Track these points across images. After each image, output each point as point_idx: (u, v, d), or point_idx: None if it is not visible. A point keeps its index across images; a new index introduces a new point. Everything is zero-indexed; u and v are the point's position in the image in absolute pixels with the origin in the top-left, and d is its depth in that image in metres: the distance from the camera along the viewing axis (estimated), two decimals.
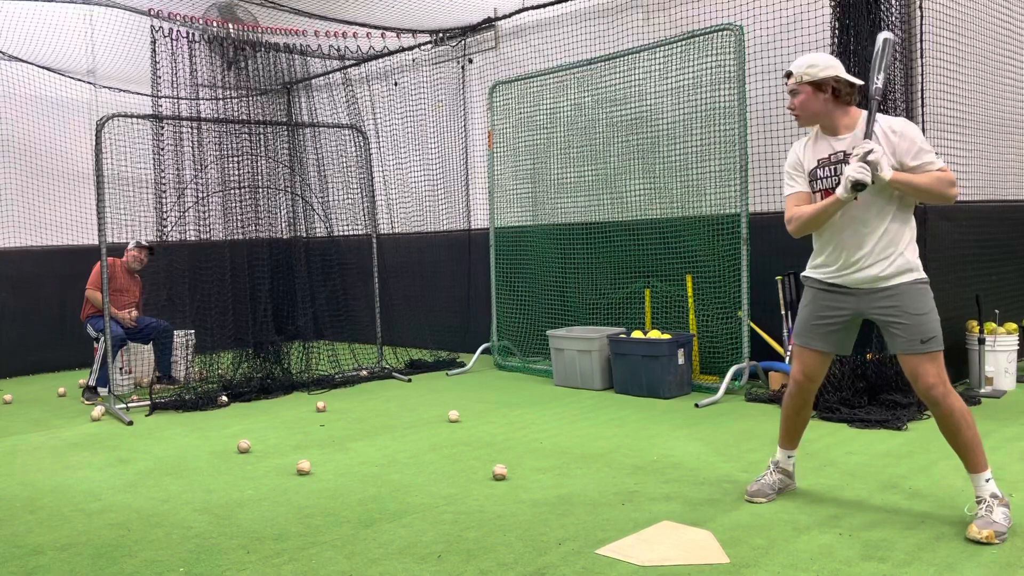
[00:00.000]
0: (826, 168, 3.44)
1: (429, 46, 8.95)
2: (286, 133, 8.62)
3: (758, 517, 3.54)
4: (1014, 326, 6.01)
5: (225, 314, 7.73)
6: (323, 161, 9.18)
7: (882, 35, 3.47)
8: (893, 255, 3.34)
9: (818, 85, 3.37)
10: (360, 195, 8.62)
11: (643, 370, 6.31)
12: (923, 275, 3.39)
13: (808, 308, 3.60)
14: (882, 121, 3.34)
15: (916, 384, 3.35)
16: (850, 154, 3.32)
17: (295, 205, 9.00)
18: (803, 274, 3.65)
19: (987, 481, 3.29)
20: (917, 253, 3.40)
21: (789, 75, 3.45)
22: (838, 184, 3.31)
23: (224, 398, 6.62)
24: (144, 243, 7.39)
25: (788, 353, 6.28)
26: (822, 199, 3.42)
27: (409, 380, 7.56)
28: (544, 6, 7.90)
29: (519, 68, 8.25)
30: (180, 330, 7.71)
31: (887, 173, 3.17)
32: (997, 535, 3.15)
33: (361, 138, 8.31)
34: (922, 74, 5.71)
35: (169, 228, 7.57)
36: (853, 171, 3.16)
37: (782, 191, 3.44)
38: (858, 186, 3.17)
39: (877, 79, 3.39)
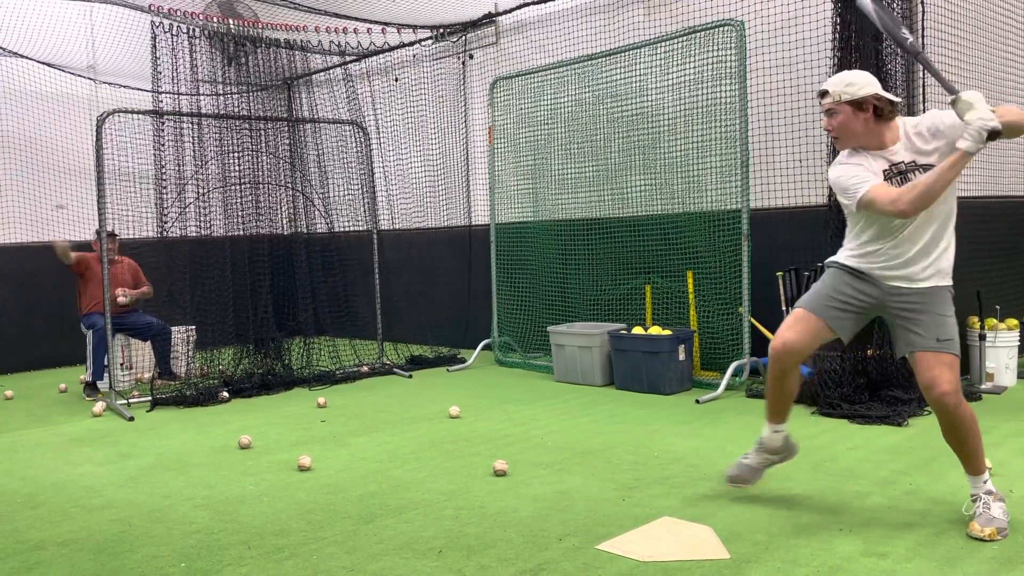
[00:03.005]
0: (895, 179, 3.25)
1: (430, 42, 8.93)
2: (287, 129, 8.62)
3: (759, 513, 3.54)
4: (1015, 322, 6.01)
5: (226, 310, 7.74)
6: (324, 157, 9.18)
7: (865, 6, 3.32)
8: (935, 257, 3.27)
9: (859, 104, 3.23)
10: (361, 191, 8.62)
11: (644, 366, 6.31)
12: (951, 282, 3.33)
13: (827, 283, 3.46)
14: (905, 124, 3.28)
15: (929, 390, 3.21)
16: (908, 162, 3.21)
17: (296, 201, 9.01)
18: (830, 259, 3.52)
19: (985, 482, 3.28)
20: (952, 259, 3.32)
21: (824, 94, 3.30)
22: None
23: (225, 394, 6.62)
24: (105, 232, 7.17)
25: None
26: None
27: (410, 376, 7.57)
28: (545, 1, 7.88)
29: (520, 64, 8.23)
30: (181, 326, 7.71)
31: (998, 124, 2.94)
32: (999, 531, 3.15)
33: (362, 134, 8.30)
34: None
35: (170, 224, 7.57)
36: (984, 118, 2.91)
37: (855, 192, 3.18)
38: (994, 134, 2.92)
39: (906, 34, 3.25)
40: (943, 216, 3.25)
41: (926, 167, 3.21)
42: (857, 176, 3.25)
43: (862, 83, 3.24)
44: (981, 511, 3.22)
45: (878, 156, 3.30)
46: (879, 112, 3.24)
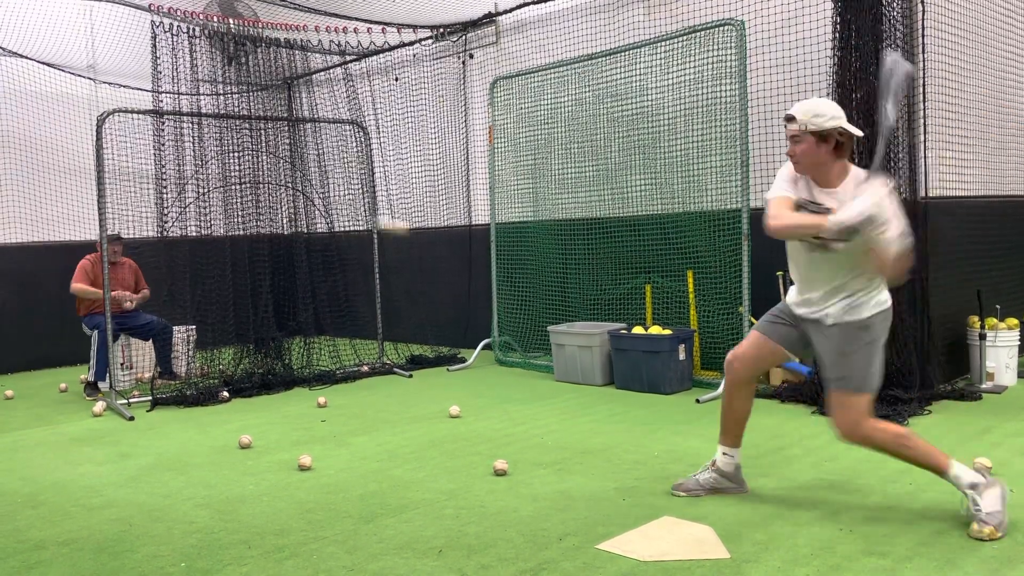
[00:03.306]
0: (807, 209, 3.30)
1: (430, 41, 8.93)
2: (287, 128, 8.62)
3: (759, 512, 3.54)
4: (1015, 321, 6.01)
5: (226, 310, 7.74)
6: (324, 157, 9.18)
7: (899, 63, 3.16)
8: (836, 298, 3.29)
9: (822, 136, 3.23)
10: (361, 190, 8.61)
11: (644, 366, 6.31)
12: (864, 317, 3.26)
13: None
14: (856, 176, 3.27)
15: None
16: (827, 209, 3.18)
17: (296, 201, 9.01)
18: None
19: (956, 476, 3.24)
20: (874, 291, 3.27)
21: (790, 119, 3.30)
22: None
23: (225, 394, 6.62)
24: (110, 234, 7.14)
25: None
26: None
27: (410, 376, 7.57)
28: (545, 1, 7.88)
29: (520, 63, 8.23)
30: (181, 326, 7.71)
31: (889, 243, 2.97)
32: (998, 527, 3.14)
33: (362, 133, 8.30)
34: (924, 69, 5.70)
35: (170, 224, 7.56)
36: (854, 217, 2.93)
37: (768, 196, 3.28)
38: (852, 234, 2.99)
39: (889, 110, 3.14)
40: (845, 260, 3.20)
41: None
42: (778, 184, 3.36)
43: (830, 115, 3.24)
44: (975, 510, 3.21)
45: (816, 187, 3.32)
46: (840, 146, 3.26)
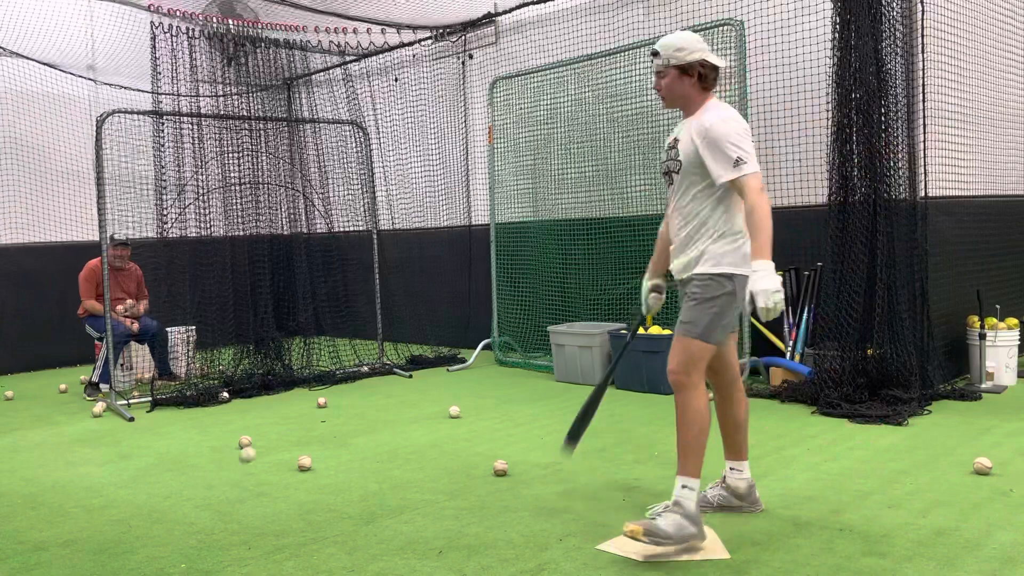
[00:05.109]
0: (666, 152, 3.40)
1: (429, 42, 8.93)
2: (286, 129, 8.63)
3: (759, 513, 3.54)
4: (1015, 321, 6.01)
5: (226, 310, 7.74)
6: (324, 157, 9.19)
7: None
8: (691, 249, 3.29)
9: (684, 69, 3.26)
10: (361, 191, 8.62)
11: (644, 366, 6.31)
12: (719, 269, 3.22)
13: None
14: (715, 110, 3.23)
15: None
16: (675, 140, 3.31)
17: (296, 201, 9.01)
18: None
19: (683, 488, 3.12)
20: (728, 245, 3.23)
21: (655, 54, 3.32)
22: (668, 170, 3.34)
23: (225, 394, 6.62)
24: (118, 238, 7.16)
25: (789, 349, 6.28)
26: (665, 179, 3.41)
27: (410, 376, 7.57)
28: (544, 1, 7.88)
29: (520, 64, 8.23)
30: (181, 326, 7.71)
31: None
32: (645, 532, 3.03)
33: (361, 134, 8.30)
34: (923, 68, 5.70)
35: (170, 224, 7.57)
36: (767, 286, 2.97)
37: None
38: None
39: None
40: (697, 212, 3.25)
41: (677, 151, 3.28)
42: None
43: (691, 48, 3.25)
44: (655, 512, 3.18)
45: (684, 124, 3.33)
46: (703, 78, 3.27)
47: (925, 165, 5.72)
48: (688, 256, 3.30)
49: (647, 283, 3.67)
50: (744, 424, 3.51)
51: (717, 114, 3.21)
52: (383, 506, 3.85)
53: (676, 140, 3.33)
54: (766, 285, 2.97)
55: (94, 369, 7.08)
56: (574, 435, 3.53)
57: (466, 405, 6.05)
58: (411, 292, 9.08)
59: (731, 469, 3.54)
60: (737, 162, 3.10)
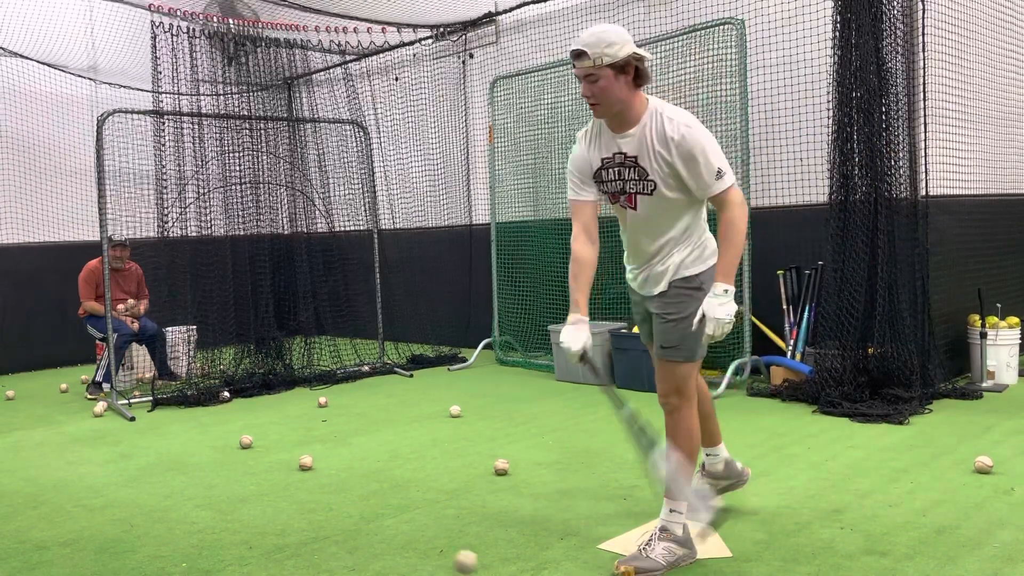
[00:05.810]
0: (611, 170, 3.00)
1: (430, 41, 8.93)
2: (287, 128, 8.63)
3: (759, 511, 3.54)
4: (1016, 320, 6.01)
5: (227, 310, 7.74)
6: (324, 156, 9.19)
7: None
8: (658, 263, 3.07)
9: (620, 67, 2.81)
10: (361, 190, 8.62)
11: (645, 365, 6.30)
12: (690, 272, 3.02)
13: None
14: (661, 115, 2.87)
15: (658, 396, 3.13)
16: (631, 157, 2.91)
17: (296, 200, 9.01)
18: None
19: (671, 512, 3.02)
20: (701, 252, 3.03)
21: (579, 55, 2.82)
22: (623, 190, 2.96)
23: (226, 394, 6.62)
24: (116, 239, 7.13)
25: (790, 348, 6.28)
26: (611, 203, 3.07)
27: (411, 375, 7.57)
28: (545, 0, 7.88)
29: (520, 63, 8.23)
30: (182, 326, 7.71)
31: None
32: (637, 572, 2.88)
33: (362, 133, 8.30)
34: (924, 68, 5.69)
35: (170, 224, 7.57)
36: (722, 312, 2.82)
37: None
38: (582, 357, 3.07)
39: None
40: (673, 232, 3.00)
41: (642, 171, 2.91)
42: (570, 187, 3.04)
43: (622, 41, 2.80)
44: (643, 547, 2.98)
45: (610, 136, 2.98)
46: (639, 75, 2.85)
47: (926, 164, 5.72)
48: (654, 270, 3.08)
49: (577, 347, 3.23)
50: (712, 413, 3.41)
51: (679, 119, 2.85)
52: (384, 505, 3.85)
53: (626, 156, 2.94)
54: (720, 315, 2.83)
55: (96, 369, 7.08)
56: (648, 445, 3.16)
57: (467, 404, 6.05)
58: (412, 291, 9.08)
59: (707, 455, 3.48)
60: (719, 173, 2.84)
